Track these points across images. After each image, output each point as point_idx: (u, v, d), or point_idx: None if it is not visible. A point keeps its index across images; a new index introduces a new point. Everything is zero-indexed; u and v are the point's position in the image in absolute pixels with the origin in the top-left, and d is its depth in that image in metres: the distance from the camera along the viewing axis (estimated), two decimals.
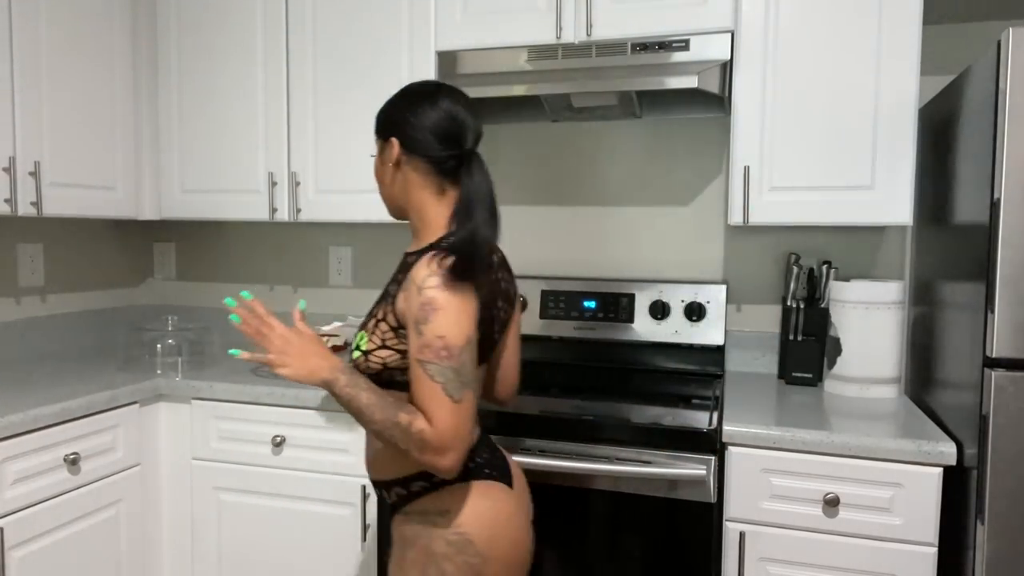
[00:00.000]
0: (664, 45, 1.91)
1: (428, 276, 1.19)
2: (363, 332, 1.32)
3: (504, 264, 1.43)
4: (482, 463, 1.33)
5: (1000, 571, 1.46)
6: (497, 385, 1.52)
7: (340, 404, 1.25)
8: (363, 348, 1.30)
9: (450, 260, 1.19)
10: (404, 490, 1.33)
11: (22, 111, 1.97)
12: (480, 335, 1.30)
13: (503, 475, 1.35)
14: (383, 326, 1.28)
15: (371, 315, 1.33)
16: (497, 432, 1.76)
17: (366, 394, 1.21)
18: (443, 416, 1.17)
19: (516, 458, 1.71)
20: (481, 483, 1.31)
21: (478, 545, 1.26)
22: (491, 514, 1.29)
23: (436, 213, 1.32)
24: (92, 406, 1.85)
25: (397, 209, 1.38)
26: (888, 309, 1.92)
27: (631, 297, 2.26)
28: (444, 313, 1.17)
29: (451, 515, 1.28)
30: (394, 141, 1.30)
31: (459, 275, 1.19)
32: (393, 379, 1.29)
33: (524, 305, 2.34)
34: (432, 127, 1.27)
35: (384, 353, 1.28)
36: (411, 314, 1.21)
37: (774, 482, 1.64)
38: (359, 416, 1.22)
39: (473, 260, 1.21)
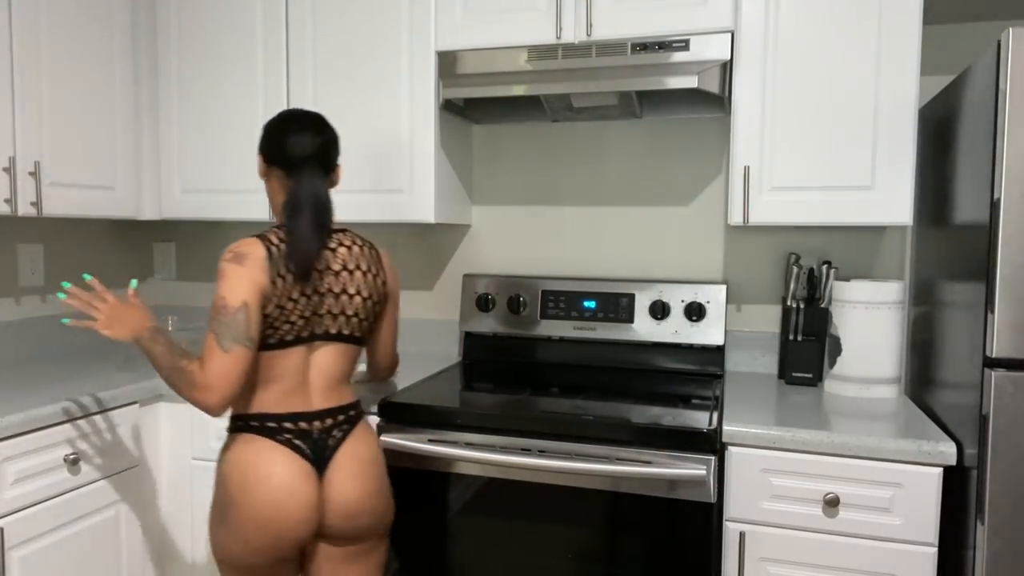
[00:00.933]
0: (664, 45, 1.91)
1: (224, 252, 1.48)
2: None
3: (376, 260, 1.65)
4: (289, 428, 1.51)
5: (1000, 571, 1.46)
6: (376, 366, 1.82)
7: (146, 357, 1.43)
8: None
9: (243, 242, 1.48)
10: (226, 425, 1.61)
11: (22, 111, 1.97)
12: (330, 316, 1.54)
13: (308, 451, 1.51)
14: None
15: None
16: (497, 432, 1.76)
17: (161, 347, 1.47)
18: (212, 362, 1.42)
19: (515, 458, 1.71)
20: (263, 440, 1.50)
21: (230, 487, 1.49)
22: (248, 467, 1.48)
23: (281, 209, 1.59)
24: (92, 406, 1.85)
25: (276, 214, 1.62)
26: (888, 309, 1.92)
27: (631, 297, 2.26)
28: (227, 280, 1.44)
29: (226, 453, 1.53)
30: (260, 156, 1.60)
31: (245, 253, 1.46)
32: None
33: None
34: (279, 142, 1.55)
35: None
36: None
37: (774, 482, 1.64)
38: (154, 364, 1.47)
39: (296, 249, 1.48)
